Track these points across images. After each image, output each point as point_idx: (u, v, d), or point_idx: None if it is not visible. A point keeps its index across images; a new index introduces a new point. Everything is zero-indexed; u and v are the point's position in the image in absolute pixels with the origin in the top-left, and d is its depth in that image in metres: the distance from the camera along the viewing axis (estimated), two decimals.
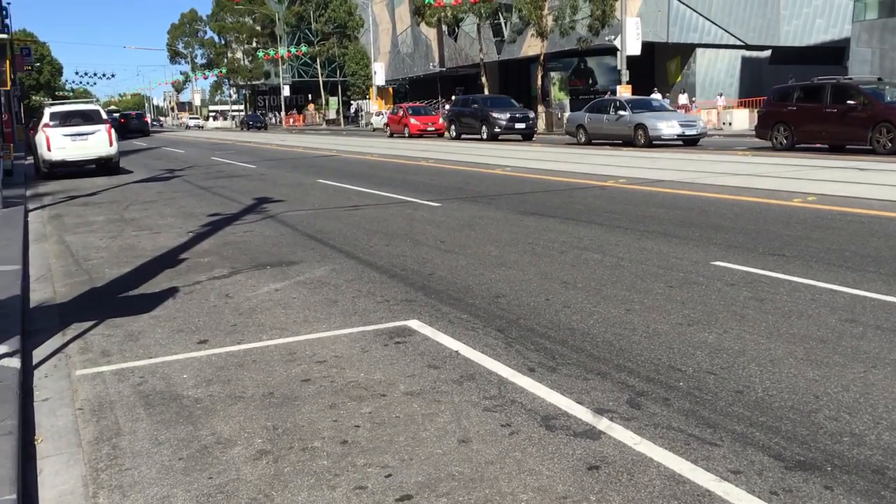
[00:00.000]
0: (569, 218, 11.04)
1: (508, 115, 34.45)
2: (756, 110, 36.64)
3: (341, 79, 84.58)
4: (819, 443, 3.82)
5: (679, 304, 6.36)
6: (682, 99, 42.54)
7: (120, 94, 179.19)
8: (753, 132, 33.69)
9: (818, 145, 22.26)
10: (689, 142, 26.46)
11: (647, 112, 27.30)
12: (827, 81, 21.99)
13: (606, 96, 34.73)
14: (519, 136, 34.96)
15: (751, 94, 46.77)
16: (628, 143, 27.16)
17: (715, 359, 5.04)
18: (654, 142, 26.18)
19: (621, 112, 27.66)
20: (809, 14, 52.53)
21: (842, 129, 20.86)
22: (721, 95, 45.61)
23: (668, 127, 26.04)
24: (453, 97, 52.00)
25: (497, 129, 34.34)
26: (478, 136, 35.53)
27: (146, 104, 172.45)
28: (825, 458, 3.66)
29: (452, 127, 38.10)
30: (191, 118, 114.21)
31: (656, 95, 39.53)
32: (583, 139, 29.36)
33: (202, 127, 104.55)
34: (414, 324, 6.07)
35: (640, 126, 26.46)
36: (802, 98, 22.26)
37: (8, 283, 7.57)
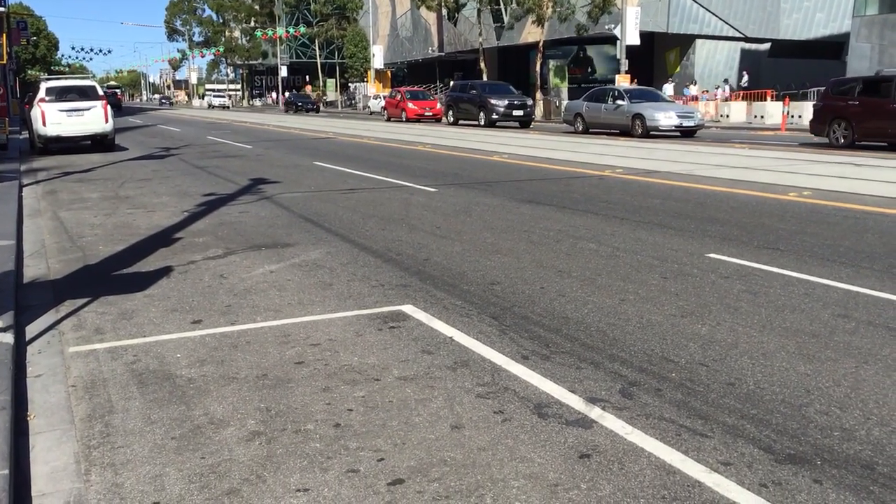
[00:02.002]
0: (565, 206, 11.05)
1: (507, 102, 34.35)
2: (754, 102, 36.73)
3: (339, 61, 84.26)
4: (809, 437, 3.84)
5: (673, 295, 6.37)
6: (694, 90, 42.19)
7: (116, 71, 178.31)
8: (750, 124, 33.78)
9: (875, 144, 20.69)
10: (687, 133, 26.43)
11: (645, 102, 27.27)
12: (894, 74, 20.30)
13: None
14: (517, 124, 34.88)
15: (749, 86, 46.74)
16: (625, 132, 27.13)
17: (707, 351, 5.06)
18: (651, 132, 26.14)
19: (619, 101, 27.64)
20: (810, 8, 52.46)
21: None
22: (726, 81, 45.59)
23: (665, 118, 26.02)
24: (451, 82, 51.86)
25: (495, 116, 34.26)
26: (475, 123, 35.44)
27: (142, 81, 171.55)
28: (815, 452, 3.68)
29: (450, 112, 38.00)
30: (216, 95, 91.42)
31: (668, 86, 39.30)
32: (580, 128, 29.33)
33: (228, 107, 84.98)
34: (408, 309, 6.08)
35: (638, 116, 26.46)
36: (864, 92, 20.62)
37: (1, 258, 7.55)
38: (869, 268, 7.20)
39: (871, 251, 7.91)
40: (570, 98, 45.71)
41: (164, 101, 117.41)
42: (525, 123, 34.86)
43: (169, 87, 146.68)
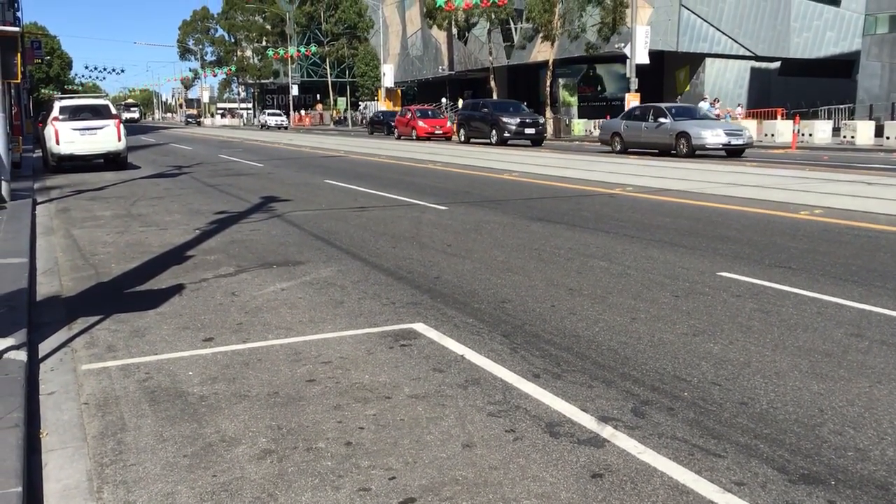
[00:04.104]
0: (576, 225, 11.04)
1: (518, 120, 34.37)
2: (764, 120, 36.66)
3: (350, 79, 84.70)
4: (823, 457, 3.82)
5: (685, 314, 6.35)
6: (717, 108, 41.96)
7: (129, 90, 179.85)
8: (761, 142, 33.72)
9: None
10: (734, 152, 24.99)
11: (689, 120, 25.89)
12: None
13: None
14: (528, 142, 34.91)
15: (759, 105, 46.79)
16: (666, 152, 25.83)
17: (720, 370, 5.03)
18: (696, 151, 24.72)
19: (662, 119, 26.15)
20: (820, 27, 52.52)
21: None
22: (740, 106, 45.50)
23: (713, 136, 24.59)
24: (461, 101, 52.03)
25: (507, 134, 34.29)
26: (487, 141, 35.52)
27: (155, 100, 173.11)
28: (829, 473, 3.66)
29: (461, 130, 38.09)
30: (271, 114, 78.92)
31: (703, 104, 38.85)
32: (619, 147, 27.93)
33: (286, 127, 73.25)
34: (420, 327, 6.08)
35: (683, 134, 25.00)
36: None
37: (15, 275, 7.60)
38: (882, 287, 7.16)
39: (884, 270, 7.87)
40: (580, 116, 45.87)
41: (190, 119, 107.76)
42: (537, 142, 34.87)
43: (181, 107, 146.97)
